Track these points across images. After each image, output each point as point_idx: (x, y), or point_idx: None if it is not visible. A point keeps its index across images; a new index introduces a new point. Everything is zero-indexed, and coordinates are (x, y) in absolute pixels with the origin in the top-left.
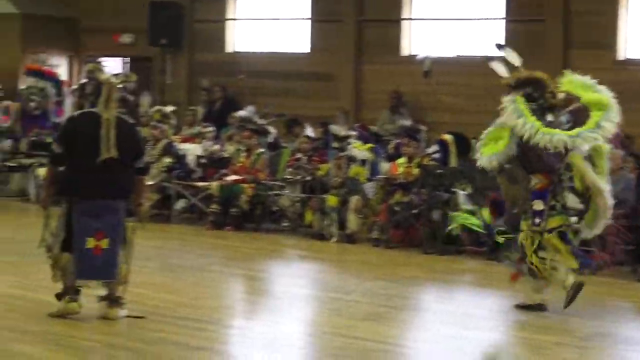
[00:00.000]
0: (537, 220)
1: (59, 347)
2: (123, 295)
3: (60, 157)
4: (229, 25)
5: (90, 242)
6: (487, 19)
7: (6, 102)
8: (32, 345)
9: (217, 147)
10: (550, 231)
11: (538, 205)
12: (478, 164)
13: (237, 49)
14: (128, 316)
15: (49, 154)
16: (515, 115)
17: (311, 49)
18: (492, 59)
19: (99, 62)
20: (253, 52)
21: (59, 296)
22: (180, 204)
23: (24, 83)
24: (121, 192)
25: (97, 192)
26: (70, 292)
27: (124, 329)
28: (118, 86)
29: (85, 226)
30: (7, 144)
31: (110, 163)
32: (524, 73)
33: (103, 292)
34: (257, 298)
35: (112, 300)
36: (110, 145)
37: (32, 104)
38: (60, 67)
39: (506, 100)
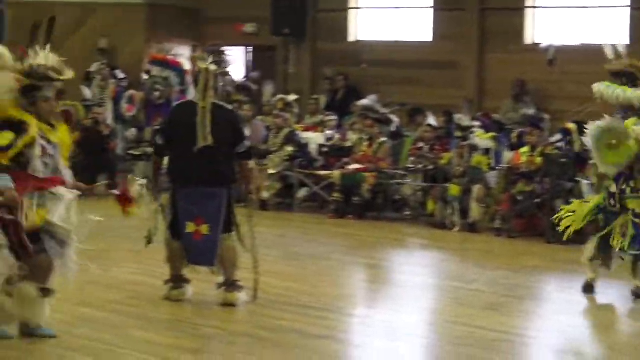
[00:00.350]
0: None
1: (181, 334)
2: (239, 279)
3: (161, 148)
4: (352, 14)
5: (190, 227)
6: (612, 7)
7: (131, 92)
8: (155, 332)
9: (339, 136)
10: None
11: None
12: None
13: (360, 38)
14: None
15: (153, 145)
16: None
17: (434, 37)
18: (609, 46)
19: (209, 51)
20: (376, 41)
21: (166, 282)
22: (302, 193)
23: (149, 72)
24: (221, 179)
25: (196, 179)
26: (175, 280)
27: (246, 316)
28: (218, 75)
29: (185, 211)
30: (132, 132)
31: (208, 151)
32: (625, 62)
33: (221, 278)
34: (379, 286)
35: (230, 285)
36: (205, 133)
37: (156, 93)
38: (184, 56)
39: (598, 86)
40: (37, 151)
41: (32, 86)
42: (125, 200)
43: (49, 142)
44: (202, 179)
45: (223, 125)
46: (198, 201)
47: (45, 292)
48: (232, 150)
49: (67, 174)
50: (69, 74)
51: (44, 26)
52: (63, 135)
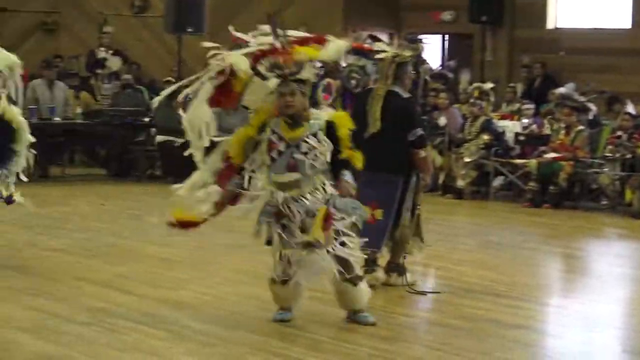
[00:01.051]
0: None
1: (378, 322)
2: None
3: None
4: (551, 1)
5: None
6: None
7: (327, 80)
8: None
9: (535, 124)
10: None
11: None
12: None
13: (559, 25)
14: (426, 292)
15: None
16: None
17: (632, 24)
18: None
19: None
20: (574, 29)
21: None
22: (498, 181)
23: (346, 61)
24: (396, 166)
25: (371, 164)
26: (367, 264)
27: (440, 305)
28: (401, 62)
29: (362, 195)
30: None
31: (381, 136)
32: None
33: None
34: (575, 276)
35: (392, 267)
36: (375, 119)
37: (353, 82)
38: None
39: None
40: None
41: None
42: None
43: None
44: (376, 165)
45: (395, 112)
46: (375, 185)
47: (356, 279)
48: (405, 137)
49: None
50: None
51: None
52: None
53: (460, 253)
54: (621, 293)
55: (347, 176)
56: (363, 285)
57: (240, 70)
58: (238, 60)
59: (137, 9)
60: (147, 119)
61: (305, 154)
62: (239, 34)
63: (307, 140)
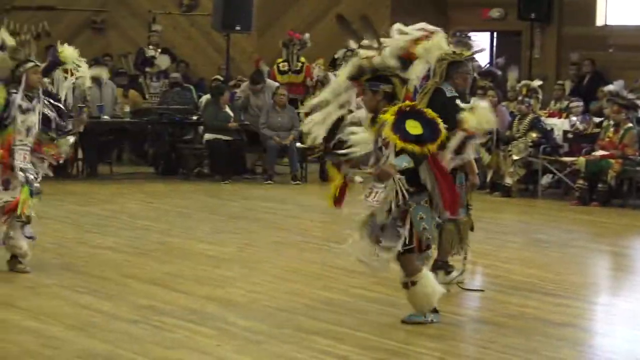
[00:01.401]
0: None
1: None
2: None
3: None
4: None
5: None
6: None
7: None
8: (396, 317)
9: (584, 122)
10: None
11: None
12: None
13: (608, 22)
14: (467, 289)
15: None
16: None
17: None
18: None
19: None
20: (624, 25)
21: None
22: (546, 179)
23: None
24: None
25: None
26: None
27: (488, 303)
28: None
29: None
30: None
31: None
32: None
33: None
34: (623, 274)
35: (439, 265)
36: None
37: None
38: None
39: None
40: None
41: None
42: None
43: None
44: None
45: (436, 110)
46: None
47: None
48: None
49: None
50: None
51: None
52: None
53: (509, 251)
54: None
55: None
56: (418, 288)
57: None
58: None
59: (185, 7)
60: (195, 117)
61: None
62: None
63: None
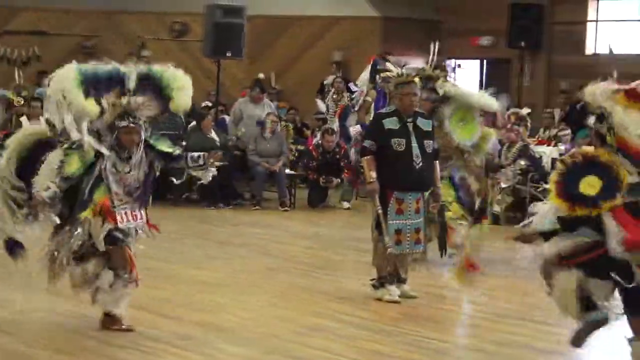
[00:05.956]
0: None
1: (411, 347)
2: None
3: None
4: (590, 27)
5: None
6: None
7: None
8: (385, 344)
9: (573, 150)
10: None
11: None
12: None
13: (598, 51)
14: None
15: None
16: None
17: None
18: None
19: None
20: (614, 55)
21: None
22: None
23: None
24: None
25: None
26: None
27: (476, 330)
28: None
29: None
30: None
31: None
32: None
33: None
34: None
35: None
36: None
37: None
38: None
39: None
40: None
41: None
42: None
43: None
44: None
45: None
46: None
47: None
48: None
49: None
50: None
51: None
52: None
53: (496, 279)
54: None
55: None
56: None
57: None
58: None
59: (176, 33)
60: (184, 143)
61: None
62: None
63: None
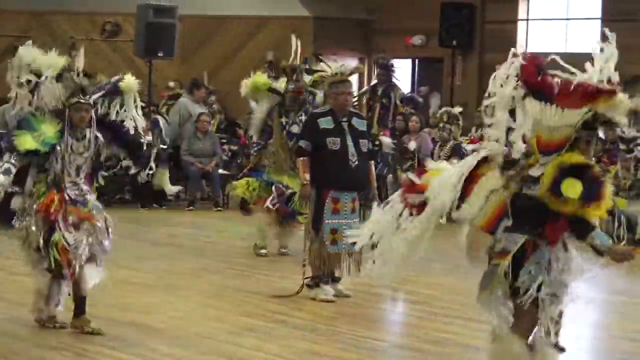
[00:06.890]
0: None
1: (345, 345)
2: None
3: None
4: (521, 25)
5: None
6: None
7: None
8: (319, 343)
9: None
10: None
11: None
12: None
13: (529, 50)
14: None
15: None
16: None
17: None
18: None
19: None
20: (545, 53)
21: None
22: None
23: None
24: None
25: None
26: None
27: (409, 329)
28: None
29: None
30: None
31: None
32: None
33: None
34: None
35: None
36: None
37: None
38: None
39: None
40: None
41: None
42: None
43: None
44: None
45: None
46: None
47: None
48: None
49: None
50: None
51: None
52: None
53: (431, 276)
54: (590, 317)
55: None
56: None
57: None
58: None
59: (107, 33)
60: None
61: None
62: None
63: None
